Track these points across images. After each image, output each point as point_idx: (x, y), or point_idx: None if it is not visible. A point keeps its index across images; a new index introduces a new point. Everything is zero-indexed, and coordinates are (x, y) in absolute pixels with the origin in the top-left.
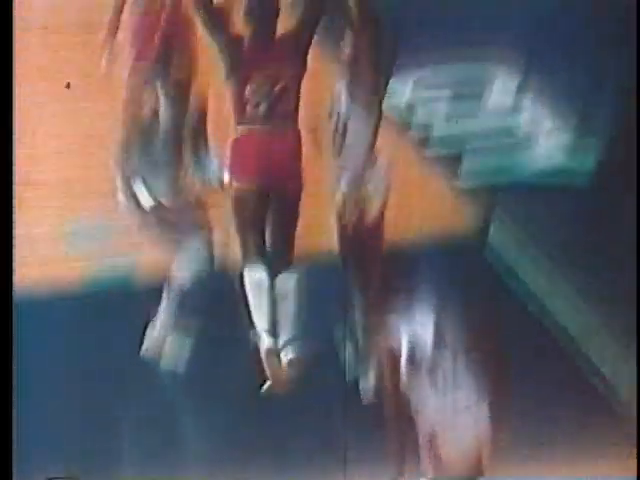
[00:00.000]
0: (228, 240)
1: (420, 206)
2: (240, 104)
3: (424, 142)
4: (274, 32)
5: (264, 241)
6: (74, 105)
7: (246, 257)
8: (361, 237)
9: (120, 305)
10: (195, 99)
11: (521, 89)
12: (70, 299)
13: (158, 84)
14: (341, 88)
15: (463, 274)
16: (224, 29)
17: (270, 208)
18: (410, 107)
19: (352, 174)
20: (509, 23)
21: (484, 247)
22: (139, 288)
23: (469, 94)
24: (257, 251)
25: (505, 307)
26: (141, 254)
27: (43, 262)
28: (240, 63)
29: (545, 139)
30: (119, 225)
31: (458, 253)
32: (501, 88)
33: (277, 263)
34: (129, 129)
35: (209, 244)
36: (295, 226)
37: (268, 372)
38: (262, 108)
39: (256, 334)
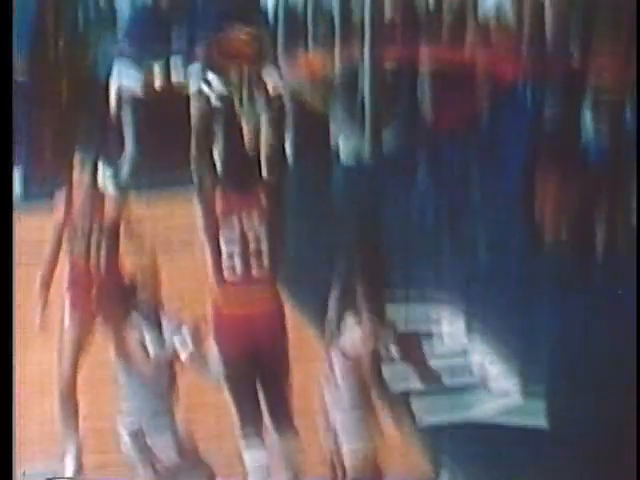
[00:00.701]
0: None
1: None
2: (218, 271)
3: None
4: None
5: (260, 411)
6: None
7: (244, 429)
8: None
9: None
10: None
11: (468, 330)
12: None
13: None
14: None
15: None
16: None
17: (260, 375)
18: None
19: None
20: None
21: None
22: None
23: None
24: (255, 422)
25: None
26: None
27: None
28: (212, 221)
29: (495, 381)
30: None
31: None
32: (449, 329)
33: (278, 428)
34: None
35: None
36: (288, 388)
37: None
38: (239, 269)
39: None
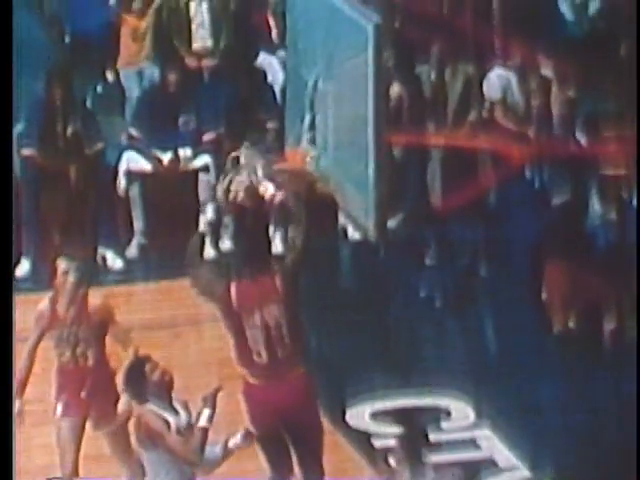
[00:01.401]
0: None
1: None
2: (245, 355)
3: None
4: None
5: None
6: None
7: None
8: None
9: None
10: None
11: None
12: None
13: None
14: None
15: None
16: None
17: (291, 437)
18: None
19: None
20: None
21: None
22: None
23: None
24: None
25: None
26: None
27: None
28: (232, 314)
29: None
30: None
31: None
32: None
33: None
34: None
35: None
36: (320, 448)
37: None
38: (264, 353)
39: None
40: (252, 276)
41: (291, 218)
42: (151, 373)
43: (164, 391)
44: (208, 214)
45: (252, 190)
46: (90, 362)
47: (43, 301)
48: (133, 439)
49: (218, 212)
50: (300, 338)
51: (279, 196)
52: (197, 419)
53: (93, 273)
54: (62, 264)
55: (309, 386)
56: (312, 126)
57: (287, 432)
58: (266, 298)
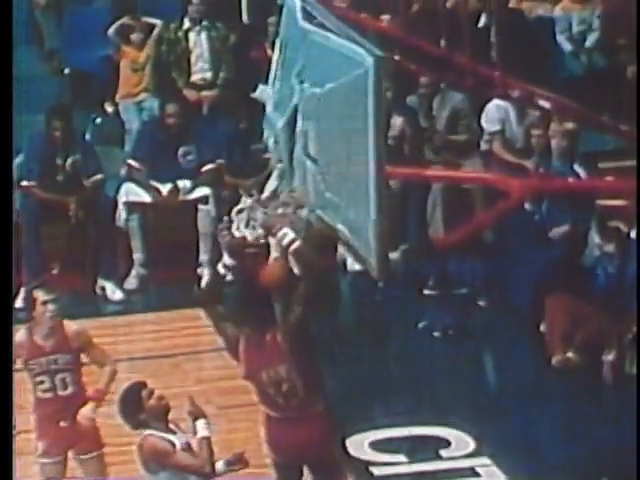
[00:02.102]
0: None
1: None
2: (262, 396)
3: None
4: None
5: None
6: None
7: None
8: None
9: None
10: None
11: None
12: None
13: None
14: None
15: None
16: None
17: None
18: None
19: None
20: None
21: None
22: None
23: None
24: None
25: None
26: None
27: None
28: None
29: None
30: None
31: None
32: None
33: None
34: None
35: None
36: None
37: None
38: (281, 402)
39: None
40: (257, 336)
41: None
42: (147, 399)
43: (161, 416)
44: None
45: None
46: (69, 390)
47: (19, 332)
48: (140, 466)
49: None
50: (315, 385)
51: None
52: (195, 432)
53: (93, 304)
54: (40, 295)
55: (328, 423)
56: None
57: (305, 464)
58: (272, 359)
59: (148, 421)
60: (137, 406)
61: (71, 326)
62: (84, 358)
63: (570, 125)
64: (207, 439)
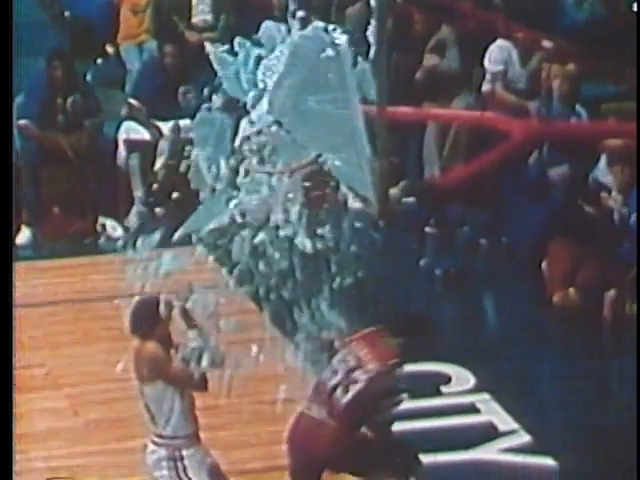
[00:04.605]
0: None
1: None
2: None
3: None
4: None
5: None
6: None
7: None
8: None
9: None
10: None
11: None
12: None
13: None
14: None
15: None
16: None
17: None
18: None
19: None
20: None
21: None
22: None
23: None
24: None
25: None
26: None
27: None
28: None
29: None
30: None
31: None
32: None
33: None
34: None
35: None
36: None
37: None
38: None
39: None
40: None
41: None
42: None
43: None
44: None
45: None
46: None
47: None
48: (133, 374)
49: None
50: None
51: None
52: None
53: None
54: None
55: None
56: None
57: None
58: None
59: (160, 333)
60: (155, 319)
61: None
62: None
63: (572, 67)
64: (198, 349)
